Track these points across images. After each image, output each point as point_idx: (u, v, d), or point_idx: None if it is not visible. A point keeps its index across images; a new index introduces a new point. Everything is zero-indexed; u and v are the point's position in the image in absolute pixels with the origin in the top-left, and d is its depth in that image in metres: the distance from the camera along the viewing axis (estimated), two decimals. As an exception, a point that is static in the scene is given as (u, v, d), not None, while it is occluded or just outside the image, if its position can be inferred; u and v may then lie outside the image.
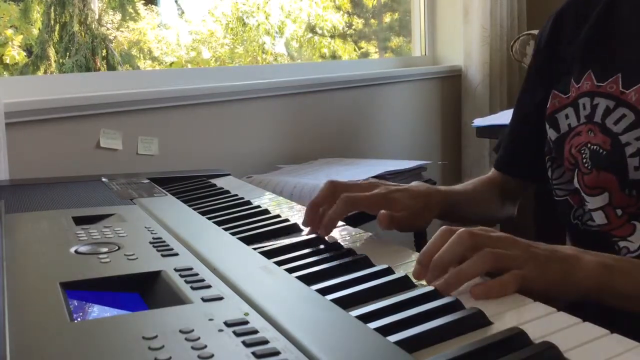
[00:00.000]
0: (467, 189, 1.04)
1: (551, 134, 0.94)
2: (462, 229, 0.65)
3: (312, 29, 3.52)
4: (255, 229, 0.86)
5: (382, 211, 0.83)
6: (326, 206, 0.83)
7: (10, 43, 2.67)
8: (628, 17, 0.90)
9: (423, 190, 0.90)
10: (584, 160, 0.87)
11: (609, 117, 0.85)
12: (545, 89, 0.97)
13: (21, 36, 2.77)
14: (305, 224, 0.84)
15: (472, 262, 0.61)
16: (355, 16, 3.63)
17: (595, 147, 0.86)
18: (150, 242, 0.76)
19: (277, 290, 0.61)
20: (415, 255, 0.71)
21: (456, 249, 0.63)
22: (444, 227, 0.67)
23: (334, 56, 3.59)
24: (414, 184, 0.93)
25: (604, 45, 0.90)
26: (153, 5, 3.35)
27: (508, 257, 0.62)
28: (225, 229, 0.85)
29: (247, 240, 0.79)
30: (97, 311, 0.58)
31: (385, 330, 0.50)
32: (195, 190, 1.17)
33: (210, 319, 0.51)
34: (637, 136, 0.82)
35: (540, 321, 0.53)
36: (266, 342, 0.47)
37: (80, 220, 0.87)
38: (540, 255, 0.64)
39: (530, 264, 0.62)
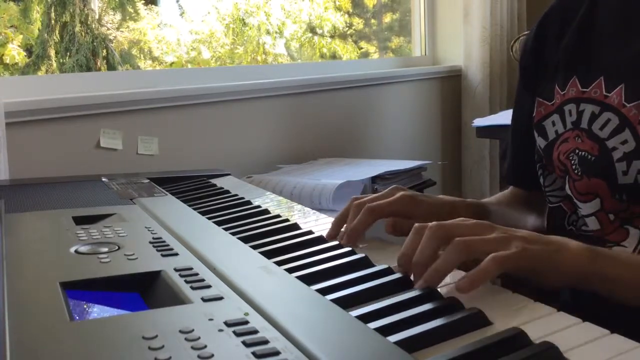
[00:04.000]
0: (492, 202, 1.02)
1: (540, 141, 0.93)
2: (432, 223, 0.65)
3: (312, 29, 3.51)
4: (255, 229, 0.86)
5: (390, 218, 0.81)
6: (351, 218, 0.80)
7: (10, 43, 2.67)
8: (606, 18, 0.89)
9: (449, 199, 0.90)
10: (574, 167, 0.87)
11: (594, 122, 0.85)
12: (531, 97, 0.96)
13: (21, 36, 2.77)
14: (328, 237, 0.81)
15: (446, 256, 0.61)
16: (355, 16, 3.63)
17: (583, 152, 0.85)
18: (150, 242, 0.76)
19: (277, 290, 0.61)
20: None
21: (432, 243, 0.63)
22: (415, 225, 0.66)
23: (334, 56, 3.59)
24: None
25: (587, 50, 0.90)
26: (153, 5, 3.35)
27: (483, 241, 0.61)
28: (225, 229, 0.85)
29: (247, 240, 0.79)
30: (97, 311, 0.58)
31: (385, 330, 0.50)
32: (195, 190, 1.17)
33: (210, 319, 0.51)
34: (622, 140, 0.81)
35: (540, 321, 0.53)
36: (266, 342, 0.47)
37: (80, 220, 0.87)
38: (523, 236, 0.63)
39: (511, 243, 0.61)
